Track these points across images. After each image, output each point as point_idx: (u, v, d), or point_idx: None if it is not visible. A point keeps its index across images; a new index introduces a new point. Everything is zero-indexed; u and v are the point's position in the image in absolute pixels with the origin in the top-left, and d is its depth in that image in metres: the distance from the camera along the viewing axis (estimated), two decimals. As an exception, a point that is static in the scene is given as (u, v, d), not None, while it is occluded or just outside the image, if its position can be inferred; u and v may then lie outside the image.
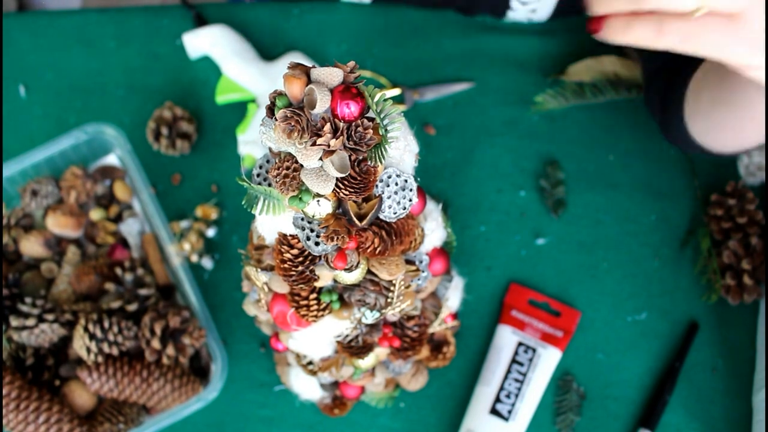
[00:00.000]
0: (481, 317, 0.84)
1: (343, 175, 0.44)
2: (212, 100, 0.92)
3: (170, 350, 0.75)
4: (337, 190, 0.46)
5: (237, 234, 0.88)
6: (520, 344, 0.81)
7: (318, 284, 0.53)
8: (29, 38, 0.97)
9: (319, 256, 0.51)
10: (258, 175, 0.51)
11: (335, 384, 0.72)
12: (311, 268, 0.52)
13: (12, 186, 0.86)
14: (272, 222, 0.51)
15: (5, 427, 0.73)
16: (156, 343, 0.75)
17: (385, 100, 0.44)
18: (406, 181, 0.49)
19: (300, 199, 0.46)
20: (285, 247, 0.51)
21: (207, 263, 0.86)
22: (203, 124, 0.91)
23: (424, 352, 0.70)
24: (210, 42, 0.91)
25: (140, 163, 0.84)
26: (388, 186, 0.49)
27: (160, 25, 0.94)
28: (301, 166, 0.45)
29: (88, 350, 0.74)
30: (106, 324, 0.75)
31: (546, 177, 0.88)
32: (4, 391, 0.73)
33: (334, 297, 0.55)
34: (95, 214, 0.86)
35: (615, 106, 0.91)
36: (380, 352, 0.64)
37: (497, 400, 0.78)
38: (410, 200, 0.49)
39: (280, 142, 0.44)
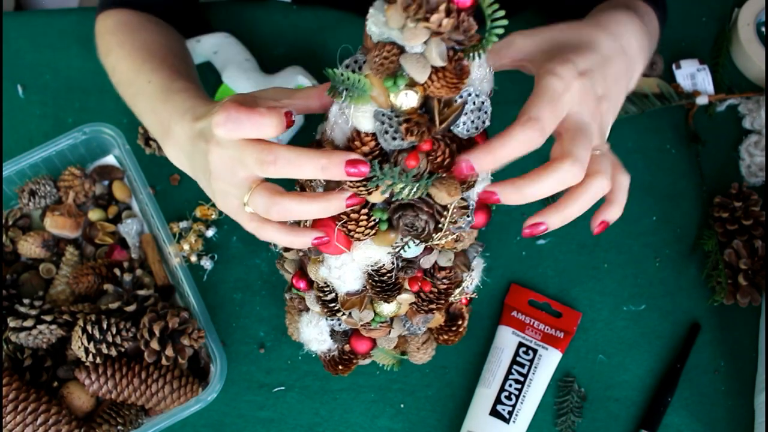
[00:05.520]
0: (481, 318, 0.84)
1: (441, 64, 0.47)
2: (211, 99, 0.91)
3: (169, 351, 0.75)
4: (430, 82, 0.48)
5: (236, 234, 0.87)
6: (520, 345, 0.81)
7: (372, 199, 0.54)
8: (27, 38, 0.97)
9: (388, 159, 0.52)
10: (347, 67, 0.51)
11: (346, 336, 0.71)
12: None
13: (10, 186, 0.85)
14: (349, 120, 0.52)
15: (4, 428, 0.72)
16: (155, 344, 0.75)
17: (492, 4, 0.46)
18: (483, 102, 0.51)
19: (394, 82, 0.48)
20: (357, 144, 0.52)
21: (206, 264, 0.86)
22: (202, 124, 0.91)
23: (440, 318, 0.71)
24: (212, 50, 0.91)
25: (139, 163, 0.84)
26: (467, 103, 0.51)
27: (159, 24, 0.94)
28: (401, 52, 0.48)
29: (87, 351, 0.74)
30: (105, 325, 0.74)
31: (547, 177, 0.87)
32: (3, 393, 0.72)
33: (384, 216, 0.56)
34: (94, 215, 0.86)
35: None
36: (404, 299, 0.64)
37: (498, 401, 0.78)
38: (483, 122, 0.51)
39: (392, 20, 0.46)
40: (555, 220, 0.52)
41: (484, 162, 0.49)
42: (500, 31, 0.46)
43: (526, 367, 0.80)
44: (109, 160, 0.89)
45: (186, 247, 0.86)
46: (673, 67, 0.95)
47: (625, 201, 0.58)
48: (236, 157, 0.52)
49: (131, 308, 0.77)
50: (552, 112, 0.50)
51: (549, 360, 0.80)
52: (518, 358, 0.80)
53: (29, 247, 0.83)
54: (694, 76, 0.94)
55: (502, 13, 0.46)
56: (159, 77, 0.67)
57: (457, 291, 0.67)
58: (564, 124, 0.52)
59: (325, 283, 0.64)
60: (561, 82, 0.51)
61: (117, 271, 0.81)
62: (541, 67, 0.53)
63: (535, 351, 0.81)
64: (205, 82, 0.92)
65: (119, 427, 0.75)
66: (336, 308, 0.65)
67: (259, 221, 0.55)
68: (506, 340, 0.81)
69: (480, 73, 0.51)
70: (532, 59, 0.56)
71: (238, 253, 0.86)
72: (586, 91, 0.52)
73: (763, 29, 0.96)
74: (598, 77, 0.53)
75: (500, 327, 0.82)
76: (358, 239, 0.56)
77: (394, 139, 0.50)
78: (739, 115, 0.93)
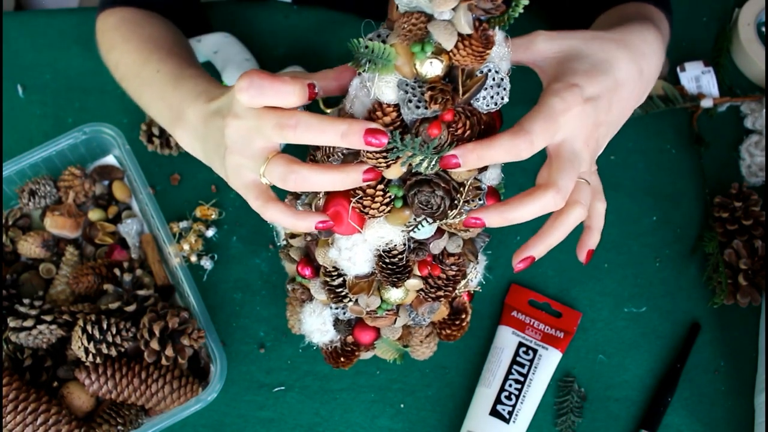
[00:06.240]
0: (481, 318, 0.84)
1: (469, 32, 0.48)
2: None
3: (169, 351, 0.75)
4: (456, 50, 0.49)
5: (236, 234, 0.87)
6: (520, 345, 0.81)
7: (388, 174, 0.55)
8: (27, 38, 0.97)
9: (409, 130, 0.53)
10: (370, 40, 0.52)
11: (350, 326, 0.71)
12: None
13: (10, 186, 0.85)
14: (372, 91, 0.53)
15: (4, 428, 0.72)
16: (155, 344, 0.75)
17: None
18: (502, 79, 0.52)
19: (422, 48, 0.49)
20: (378, 114, 0.52)
21: (206, 264, 0.86)
22: (202, 124, 0.91)
23: (444, 311, 0.71)
24: (212, 49, 0.91)
25: (139, 163, 0.84)
26: (486, 79, 0.52)
27: (159, 24, 0.94)
28: (429, 20, 0.49)
29: (87, 351, 0.74)
30: (105, 325, 0.74)
31: (547, 177, 0.87)
32: (3, 393, 0.72)
33: (400, 193, 0.56)
34: (94, 215, 0.86)
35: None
36: (412, 285, 0.65)
37: (498, 401, 0.78)
38: (502, 98, 0.52)
39: None
40: (539, 249, 0.56)
41: (469, 159, 0.51)
42: (526, 2, 0.48)
43: (526, 367, 0.80)
44: (109, 160, 0.89)
45: (186, 247, 0.86)
46: (678, 69, 0.95)
47: (602, 227, 0.62)
48: (254, 127, 0.52)
49: (131, 308, 0.77)
50: (545, 129, 0.51)
51: (549, 360, 0.80)
52: (518, 358, 0.80)
53: (29, 247, 0.83)
54: (698, 79, 0.94)
55: None
56: (168, 66, 0.68)
57: (462, 283, 0.67)
58: (556, 149, 0.53)
59: (334, 267, 0.64)
60: (562, 103, 0.51)
61: (117, 271, 0.81)
62: (549, 86, 0.54)
63: (535, 351, 0.81)
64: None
65: (119, 427, 0.75)
66: (343, 294, 0.65)
67: (266, 200, 0.55)
68: (506, 340, 0.81)
69: (500, 52, 0.52)
70: (546, 67, 0.57)
71: (238, 253, 0.86)
72: (585, 118, 0.53)
73: (764, 29, 0.96)
74: (604, 104, 0.54)
75: (500, 327, 0.82)
76: (373, 216, 0.57)
77: (418, 107, 0.50)
78: (741, 114, 0.93)
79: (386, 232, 0.59)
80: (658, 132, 0.92)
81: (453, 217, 0.57)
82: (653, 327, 0.84)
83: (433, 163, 0.52)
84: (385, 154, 0.52)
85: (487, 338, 0.83)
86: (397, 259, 0.61)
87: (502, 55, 0.52)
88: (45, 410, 0.73)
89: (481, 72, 0.51)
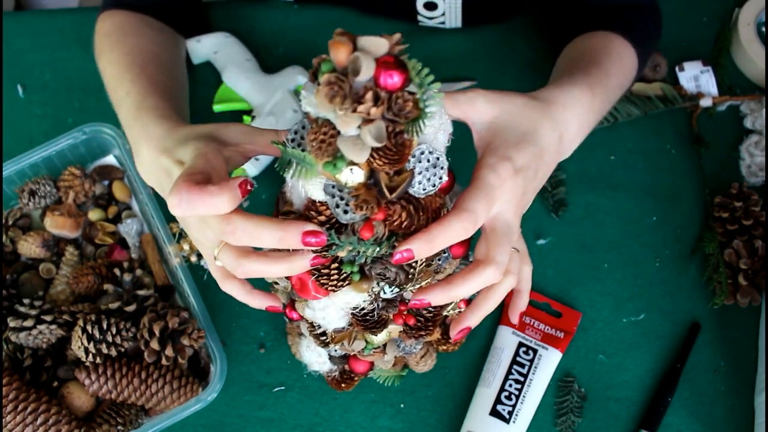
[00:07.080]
0: (481, 318, 0.84)
1: (378, 145, 0.45)
2: (211, 102, 0.91)
3: (169, 351, 0.75)
4: (371, 159, 0.46)
5: (236, 234, 0.87)
6: (520, 345, 0.81)
7: (340, 254, 0.54)
8: (27, 38, 0.97)
9: (346, 225, 0.52)
10: (293, 140, 0.51)
11: (345, 358, 0.71)
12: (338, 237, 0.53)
13: (10, 186, 0.85)
14: (302, 189, 0.52)
15: (4, 428, 0.72)
16: (155, 344, 0.75)
17: (427, 75, 0.45)
18: (438, 158, 0.50)
19: (334, 165, 0.47)
20: (313, 213, 0.51)
21: (206, 264, 0.86)
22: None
23: (436, 334, 0.70)
24: (212, 50, 0.91)
25: (139, 163, 0.84)
26: (420, 162, 0.49)
27: (159, 24, 0.94)
28: (338, 132, 0.46)
29: (87, 351, 0.74)
30: (105, 325, 0.74)
31: (547, 177, 0.87)
32: (3, 393, 0.72)
33: (355, 269, 0.55)
34: (94, 215, 0.86)
35: (616, 107, 0.91)
36: (393, 329, 0.64)
37: (498, 401, 0.78)
38: (440, 178, 0.50)
39: (321, 107, 0.45)
40: (475, 319, 0.59)
41: (423, 251, 0.51)
42: (437, 104, 0.46)
43: (526, 367, 0.80)
44: (109, 160, 0.89)
45: (186, 247, 0.86)
46: (677, 69, 0.95)
47: (529, 288, 0.68)
48: (203, 222, 0.54)
49: (131, 308, 0.77)
50: (486, 207, 0.53)
51: (549, 360, 0.80)
52: (518, 358, 0.80)
53: (29, 247, 0.83)
54: (697, 78, 0.94)
55: (431, 78, 0.45)
56: (135, 90, 0.69)
57: (449, 307, 0.67)
58: (492, 222, 0.55)
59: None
60: (498, 179, 0.54)
61: (117, 271, 0.81)
62: (483, 159, 0.56)
63: (535, 351, 0.81)
64: (205, 82, 0.92)
65: (119, 427, 0.75)
66: (327, 341, 0.65)
67: (224, 274, 0.58)
68: (506, 340, 0.81)
69: (433, 127, 0.50)
70: (482, 132, 0.58)
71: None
72: (516, 189, 0.55)
73: (764, 29, 0.96)
74: (531, 173, 0.57)
75: (500, 327, 0.82)
76: (333, 290, 0.56)
77: (346, 212, 0.49)
78: (740, 114, 0.93)
79: (352, 297, 0.58)
80: (658, 132, 0.93)
81: (412, 286, 0.57)
82: (653, 327, 0.84)
83: (378, 249, 0.51)
84: (326, 249, 0.51)
85: (487, 338, 0.83)
86: (369, 317, 0.60)
87: (436, 129, 0.50)
88: (45, 410, 0.73)
89: (413, 156, 0.49)
